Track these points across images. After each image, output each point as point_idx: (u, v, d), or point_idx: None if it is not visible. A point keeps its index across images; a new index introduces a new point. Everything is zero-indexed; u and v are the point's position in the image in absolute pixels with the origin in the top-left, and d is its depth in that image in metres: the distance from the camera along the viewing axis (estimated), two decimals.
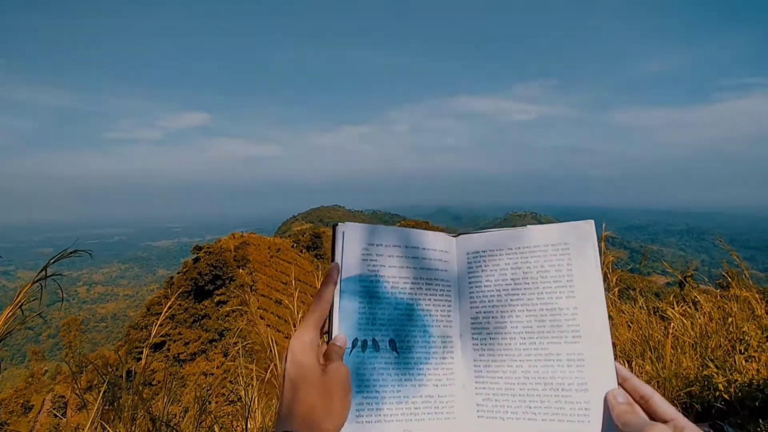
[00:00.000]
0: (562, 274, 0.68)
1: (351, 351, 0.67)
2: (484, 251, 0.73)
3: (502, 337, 0.69)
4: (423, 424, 0.66)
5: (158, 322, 2.04)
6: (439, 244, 0.74)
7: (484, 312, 0.71)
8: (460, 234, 0.76)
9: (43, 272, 1.43)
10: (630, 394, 0.63)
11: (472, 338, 0.71)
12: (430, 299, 0.72)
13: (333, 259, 0.70)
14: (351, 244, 0.71)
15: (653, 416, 0.60)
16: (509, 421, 0.65)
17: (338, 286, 0.69)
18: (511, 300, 0.70)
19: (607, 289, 3.43)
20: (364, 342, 0.68)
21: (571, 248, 0.68)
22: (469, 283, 0.73)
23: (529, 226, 0.71)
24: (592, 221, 0.69)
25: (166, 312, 2.17)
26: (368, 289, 0.70)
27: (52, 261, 1.45)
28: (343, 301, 0.68)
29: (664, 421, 0.58)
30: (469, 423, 0.67)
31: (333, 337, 0.67)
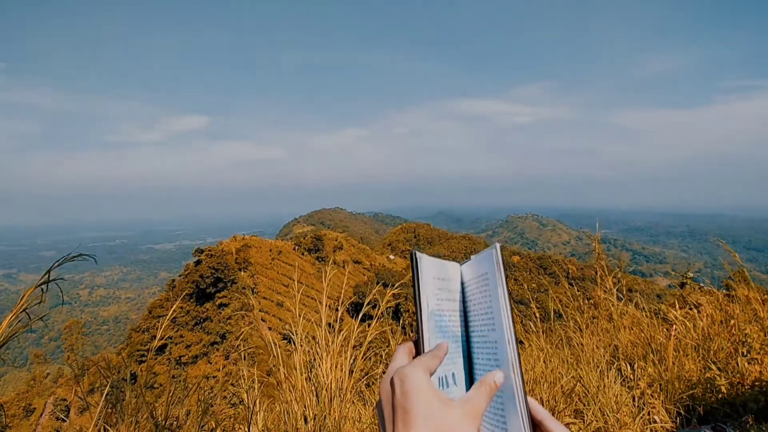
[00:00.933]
0: (485, 308, 0.69)
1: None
2: (470, 279, 0.74)
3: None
4: None
5: (163, 325, 2.05)
6: (457, 273, 0.75)
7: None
8: (464, 262, 0.76)
9: (47, 276, 1.44)
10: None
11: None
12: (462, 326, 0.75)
13: (418, 292, 0.69)
14: (425, 276, 0.71)
15: None
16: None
17: (428, 321, 0.69)
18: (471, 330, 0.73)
19: (606, 291, 3.43)
20: (444, 378, 0.69)
21: (489, 278, 0.69)
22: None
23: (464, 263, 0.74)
24: (498, 245, 0.69)
25: (170, 316, 2.17)
26: (439, 324, 0.71)
27: (55, 265, 1.45)
28: (431, 337, 0.68)
29: None
30: None
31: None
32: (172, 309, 2.20)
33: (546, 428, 0.63)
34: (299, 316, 2.41)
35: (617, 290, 3.40)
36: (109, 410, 1.77)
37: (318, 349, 2.23)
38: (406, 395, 0.57)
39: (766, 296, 3.19)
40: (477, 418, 0.57)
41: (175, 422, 1.98)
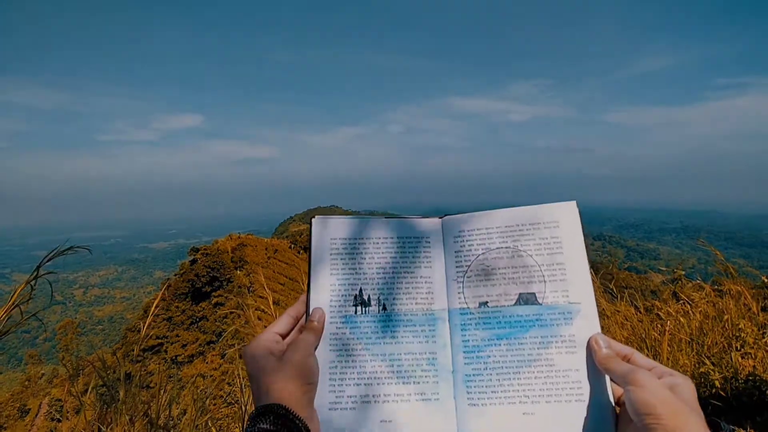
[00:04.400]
0: (547, 237, 0.72)
1: (346, 316, 0.71)
2: (471, 229, 0.76)
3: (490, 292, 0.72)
4: (403, 388, 0.68)
5: (147, 322, 2.05)
6: (423, 225, 0.79)
7: (473, 273, 0.73)
8: (445, 216, 0.79)
9: (37, 271, 1.42)
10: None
11: (460, 309, 0.73)
12: (411, 263, 0.75)
13: (309, 250, 0.74)
14: (321, 238, 0.75)
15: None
16: (502, 407, 0.66)
17: (309, 294, 0.73)
18: (495, 259, 0.73)
19: (598, 289, 3.44)
20: (356, 297, 0.72)
21: (560, 222, 0.72)
22: (455, 252, 0.76)
23: (518, 208, 0.74)
24: (575, 202, 0.73)
25: (154, 310, 2.17)
26: (346, 266, 0.74)
27: (46, 259, 1.44)
28: (318, 280, 0.73)
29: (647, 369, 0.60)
30: (461, 410, 0.68)
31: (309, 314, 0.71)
32: (154, 305, 2.20)
33: (634, 360, 0.62)
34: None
35: (613, 286, 3.42)
36: (104, 410, 1.76)
37: None
38: (248, 366, 0.65)
39: (753, 290, 3.21)
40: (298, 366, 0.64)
41: (170, 421, 1.97)
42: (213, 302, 50.90)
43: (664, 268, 4.49)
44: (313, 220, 0.77)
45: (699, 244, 3.84)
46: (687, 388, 0.56)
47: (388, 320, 0.72)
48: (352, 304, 0.72)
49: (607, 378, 0.64)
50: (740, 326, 2.73)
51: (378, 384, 0.68)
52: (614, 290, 3.53)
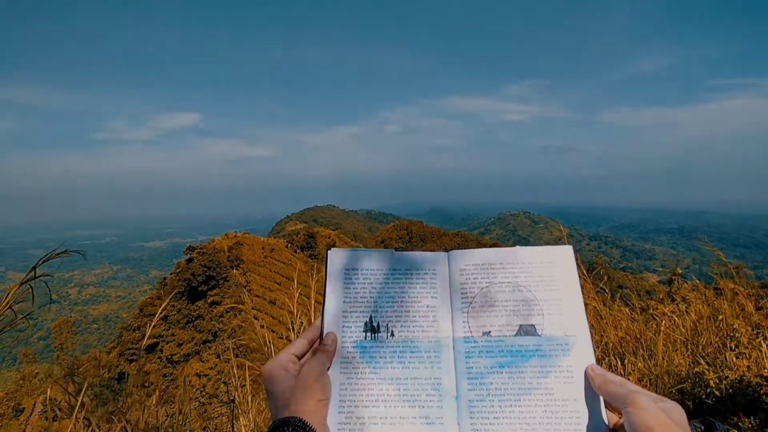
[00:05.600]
0: (544, 275, 0.79)
1: (357, 341, 0.76)
2: (476, 264, 0.81)
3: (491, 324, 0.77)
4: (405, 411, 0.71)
5: (152, 323, 2.03)
6: (429, 258, 0.83)
7: (477, 304, 0.78)
8: (451, 251, 0.84)
9: (32, 273, 1.41)
10: None
11: (464, 330, 0.77)
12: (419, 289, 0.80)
13: (325, 278, 0.80)
14: (333, 269, 0.81)
15: None
16: (504, 427, 0.69)
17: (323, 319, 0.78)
18: (498, 292, 0.78)
19: (591, 287, 3.45)
20: (367, 323, 0.77)
21: (555, 263, 0.79)
22: (461, 284, 0.80)
23: (518, 247, 0.81)
24: (570, 247, 0.80)
25: (161, 314, 2.15)
26: (352, 294, 0.80)
27: (41, 261, 1.43)
28: (330, 306, 0.79)
29: None
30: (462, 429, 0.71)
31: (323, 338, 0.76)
32: (161, 308, 2.17)
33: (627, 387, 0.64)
34: (297, 314, 2.40)
35: (608, 286, 3.43)
36: (99, 409, 1.75)
37: None
38: (267, 386, 0.71)
39: (752, 291, 3.23)
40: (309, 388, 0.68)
41: (166, 420, 1.96)
42: (209, 301, 50.81)
43: (659, 269, 4.52)
44: (329, 251, 0.82)
45: (702, 244, 3.86)
46: (678, 412, 0.60)
47: (395, 346, 0.76)
48: (362, 330, 0.77)
49: (603, 407, 0.68)
50: (735, 326, 2.75)
51: (385, 406, 0.72)
52: (606, 290, 3.54)
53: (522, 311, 0.76)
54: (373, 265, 0.82)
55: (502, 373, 0.72)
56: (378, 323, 0.77)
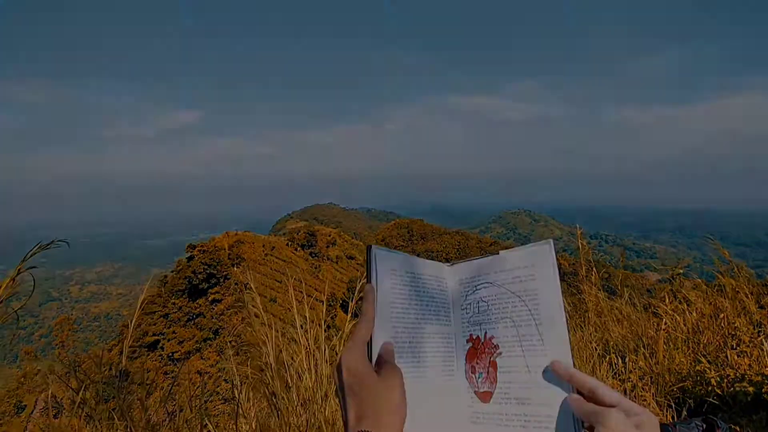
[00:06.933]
0: (528, 290, 0.78)
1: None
2: (473, 276, 0.83)
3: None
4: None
5: (135, 315, 2.04)
6: (436, 270, 0.85)
7: (473, 320, 0.81)
8: (453, 263, 0.87)
9: (20, 266, 1.43)
10: (579, 389, 0.67)
11: (465, 344, 0.81)
12: (431, 313, 0.82)
13: (369, 279, 0.76)
14: (382, 266, 0.78)
15: (602, 405, 0.64)
16: (503, 428, 0.72)
17: (375, 304, 0.75)
18: (495, 313, 0.80)
19: (592, 285, 3.45)
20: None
21: (536, 268, 0.78)
22: (463, 300, 0.83)
23: (502, 253, 0.82)
24: (551, 241, 0.79)
25: (141, 305, 2.16)
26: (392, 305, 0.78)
27: (29, 255, 1.45)
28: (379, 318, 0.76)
29: (612, 407, 0.63)
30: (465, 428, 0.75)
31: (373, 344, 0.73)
32: (140, 300, 2.18)
33: (600, 396, 0.65)
34: (297, 312, 2.40)
35: (611, 285, 3.43)
36: (100, 407, 1.76)
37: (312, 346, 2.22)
38: (348, 379, 0.66)
39: (754, 289, 3.23)
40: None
41: (167, 418, 1.97)
42: (210, 299, 50.92)
43: (661, 267, 4.51)
44: (373, 249, 0.79)
45: (705, 242, 3.86)
46: (652, 426, 0.61)
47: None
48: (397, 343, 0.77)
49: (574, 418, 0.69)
50: (736, 324, 2.74)
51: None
52: (613, 288, 3.54)
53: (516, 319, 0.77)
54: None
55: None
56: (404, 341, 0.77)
